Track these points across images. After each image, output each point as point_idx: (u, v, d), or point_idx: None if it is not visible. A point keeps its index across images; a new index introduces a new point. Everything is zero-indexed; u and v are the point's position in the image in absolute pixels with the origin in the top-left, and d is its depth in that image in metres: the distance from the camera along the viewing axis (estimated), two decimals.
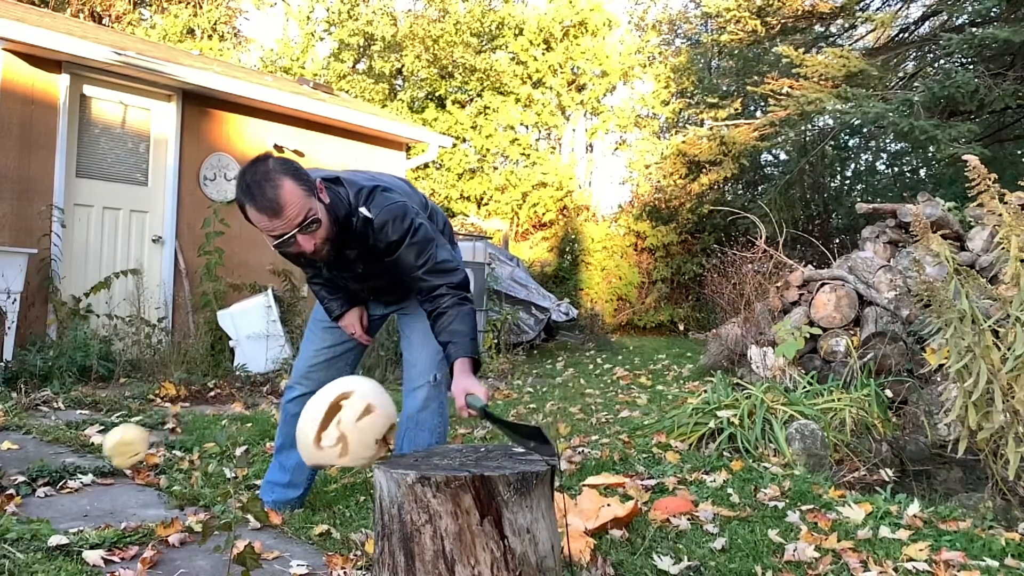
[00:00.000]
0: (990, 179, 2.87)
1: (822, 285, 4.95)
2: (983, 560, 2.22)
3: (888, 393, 4.12)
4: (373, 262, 2.23)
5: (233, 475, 3.06)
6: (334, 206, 2.10)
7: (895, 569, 2.18)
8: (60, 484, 2.77)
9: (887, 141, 14.93)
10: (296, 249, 2.03)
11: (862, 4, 10.68)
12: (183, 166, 6.23)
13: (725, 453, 3.45)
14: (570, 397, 5.35)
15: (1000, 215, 2.84)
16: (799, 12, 10.45)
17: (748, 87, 11.88)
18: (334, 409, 1.71)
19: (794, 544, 2.35)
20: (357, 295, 2.50)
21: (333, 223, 2.08)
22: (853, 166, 15.70)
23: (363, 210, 2.15)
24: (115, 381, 4.99)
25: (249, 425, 3.95)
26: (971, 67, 9.03)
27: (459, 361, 2.04)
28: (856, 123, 11.29)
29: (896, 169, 16.04)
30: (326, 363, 2.55)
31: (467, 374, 2.02)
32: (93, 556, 2.10)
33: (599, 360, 7.92)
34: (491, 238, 10.70)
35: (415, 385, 2.46)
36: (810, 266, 6.06)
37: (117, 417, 3.95)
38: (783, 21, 10.60)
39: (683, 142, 12.78)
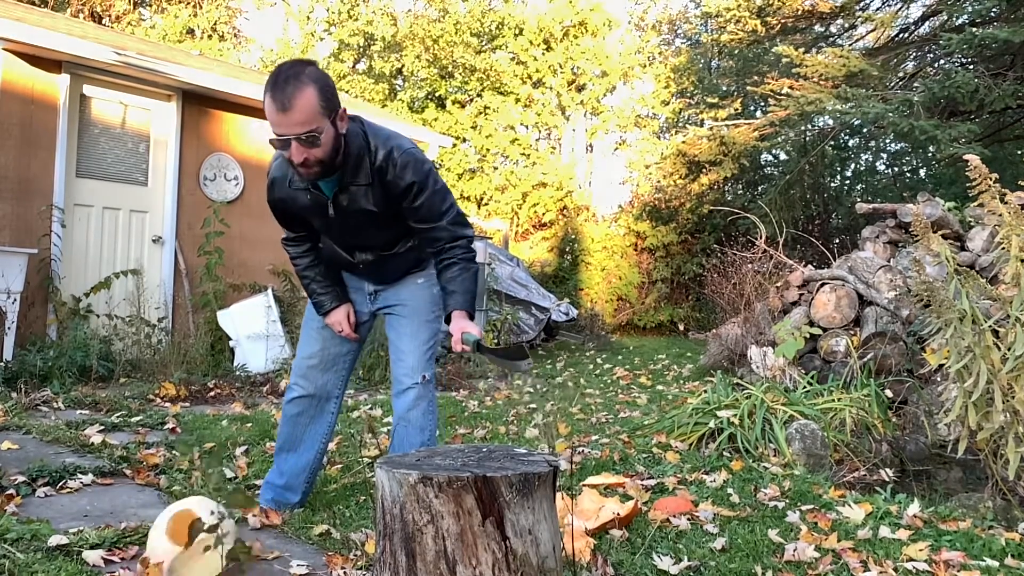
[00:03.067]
0: (990, 179, 2.87)
1: (822, 285, 4.95)
2: (983, 560, 2.22)
3: (888, 393, 4.12)
4: (385, 216, 2.27)
5: (233, 475, 3.06)
6: (348, 138, 2.15)
7: (895, 569, 2.18)
8: (60, 484, 2.76)
9: (887, 141, 14.93)
10: (287, 154, 2.06)
11: (862, 4, 10.68)
12: (183, 166, 6.23)
13: (725, 453, 3.45)
14: (570, 397, 5.35)
15: (1000, 215, 2.84)
16: (799, 12, 10.46)
17: (748, 87, 11.89)
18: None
19: (794, 544, 2.35)
20: (346, 288, 2.51)
21: (335, 151, 2.12)
22: (853, 166, 15.71)
23: (383, 150, 2.21)
24: (115, 381, 4.99)
25: (249, 425, 3.94)
26: (971, 67, 9.03)
27: (457, 312, 2.21)
28: (856, 123, 11.29)
29: (896, 169, 16.04)
30: (323, 365, 2.56)
31: (464, 318, 2.21)
32: (93, 556, 2.10)
33: (599, 360, 7.92)
34: (491, 238, 10.70)
35: (405, 385, 2.46)
36: (810, 266, 6.06)
37: (117, 417, 3.95)
38: (783, 21, 10.60)
39: (683, 142, 12.79)
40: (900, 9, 11.03)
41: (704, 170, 13.12)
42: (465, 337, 2.13)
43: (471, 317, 2.22)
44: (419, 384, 2.44)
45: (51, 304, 5.40)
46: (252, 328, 5.69)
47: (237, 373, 5.46)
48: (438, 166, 14.02)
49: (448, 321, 2.24)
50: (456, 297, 2.25)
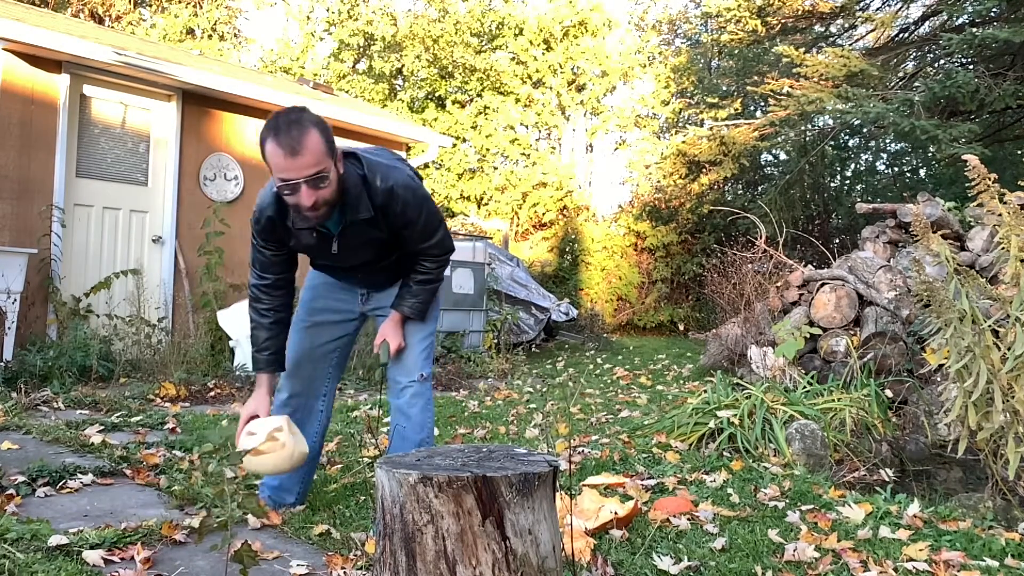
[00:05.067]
0: (990, 179, 2.87)
1: (822, 285, 4.95)
2: (983, 560, 2.22)
3: (888, 393, 4.12)
4: (389, 240, 2.32)
5: (233, 475, 3.05)
6: (346, 178, 2.18)
7: (895, 569, 2.18)
8: (60, 484, 2.76)
9: (887, 141, 14.94)
10: (296, 199, 2.06)
11: (862, 4, 10.68)
12: (183, 166, 6.23)
13: (725, 453, 3.45)
14: (570, 397, 5.35)
15: (1000, 215, 2.84)
16: (799, 12, 10.46)
17: (748, 87, 11.89)
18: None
19: (794, 544, 2.35)
20: (281, 354, 2.47)
21: (338, 191, 2.14)
22: (853, 166, 15.71)
23: (383, 185, 2.24)
24: (115, 381, 4.99)
25: None
26: (971, 67, 9.04)
27: (399, 314, 2.43)
28: (856, 123, 11.29)
29: (896, 169, 16.05)
30: (310, 364, 2.56)
31: (397, 323, 2.44)
32: (93, 556, 2.09)
33: (599, 360, 7.92)
34: (491, 238, 10.70)
35: (403, 384, 2.47)
36: (810, 266, 6.06)
37: (117, 417, 3.95)
38: (783, 21, 10.61)
39: (683, 142, 12.79)
40: (900, 9, 11.03)
41: (704, 170, 13.13)
42: (382, 350, 2.42)
43: (403, 324, 2.45)
44: (416, 382, 2.46)
45: (51, 304, 5.40)
46: None
47: (237, 373, 5.46)
48: (438, 166, 14.05)
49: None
50: (408, 302, 2.42)
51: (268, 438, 2.20)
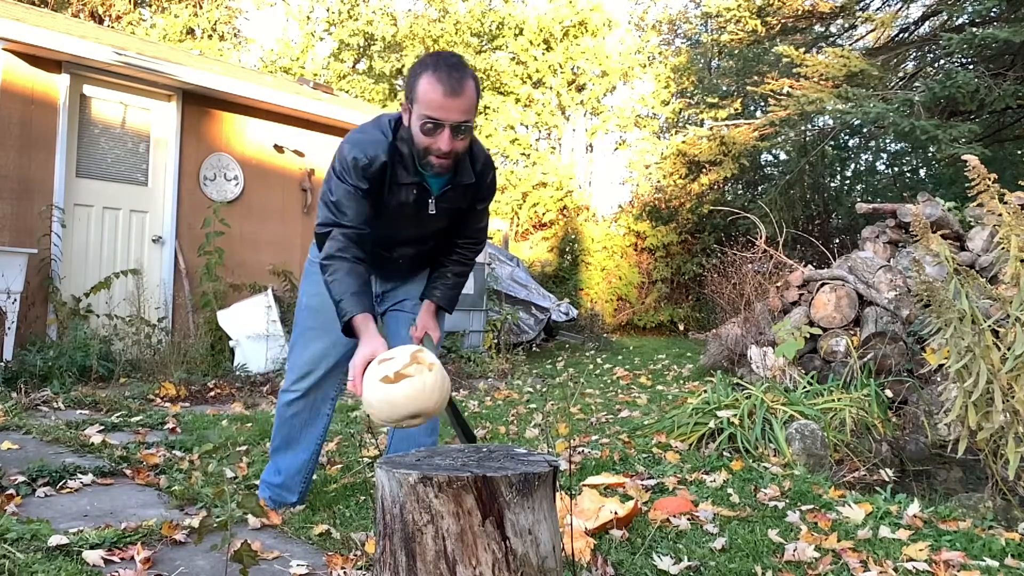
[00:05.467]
0: (990, 179, 2.87)
1: (822, 285, 4.95)
2: (983, 560, 2.22)
3: (888, 393, 4.12)
4: (463, 214, 2.32)
5: (233, 475, 3.06)
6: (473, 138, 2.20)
7: (895, 569, 2.18)
8: (60, 484, 2.76)
9: (887, 141, 14.94)
10: (433, 140, 2.01)
11: (862, 4, 10.68)
12: (183, 166, 6.23)
13: (725, 453, 3.45)
14: (570, 397, 5.35)
15: (1000, 215, 2.84)
16: (799, 12, 10.46)
17: (748, 87, 11.89)
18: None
19: (794, 544, 2.35)
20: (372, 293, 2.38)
21: (468, 148, 2.14)
22: (853, 166, 15.72)
23: (482, 155, 2.26)
24: (115, 381, 4.99)
25: (249, 425, 3.95)
26: (971, 67, 9.04)
27: (432, 305, 2.35)
28: (856, 123, 11.29)
29: (896, 169, 16.05)
30: (321, 367, 2.53)
31: (433, 315, 2.35)
32: (93, 556, 2.09)
33: (599, 360, 7.92)
34: (491, 238, 10.70)
35: None
36: (810, 266, 6.06)
37: (117, 417, 3.95)
38: (783, 21, 10.61)
39: (683, 142, 12.80)
40: (900, 9, 11.04)
41: (704, 170, 13.13)
42: (426, 341, 2.25)
43: (437, 316, 2.37)
44: None
45: (51, 304, 5.40)
46: (252, 328, 5.69)
47: (237, 373, 5.46)
48: None
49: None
50: (443, 292, 2.36)
51: (411, 359, 1.72)
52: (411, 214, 2.24)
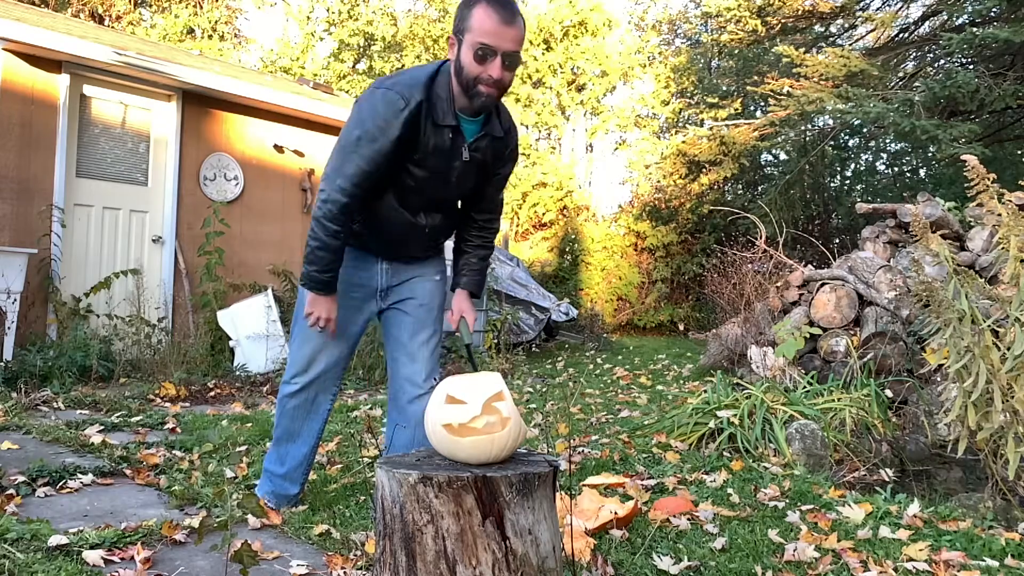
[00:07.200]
0: (989, 179, 2.87)
1: (822, 285, 4.95)
2: (983, 560, 2.22)
3: (888, 393, 4.12)
4: (487, 174, 2.36)
5: (233, 475, 3.06)
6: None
7: (895, 569, 2.18)
8: (60, 484, 2.76)
9: (887, 141, 14.94)
10: (485, 68, 2.05)
11: (862, 4, 10.68)
12: (183, 166, 6.23)
13: (725, 453, 3.45)
14: (570, 397, 5.35)
15: (1000, 215, 2.84)
16: (799, 12, 10.46)
17: (748, 87, 11.89)
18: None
19: (794, 544, 2.35)
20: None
21: (507, 89, 2.17)
22: (853, 166, 15.71)
23: (507, 113, 2.33)
24: (115, 381, 4.99)
25: (249, 425, 3.94)
26: (971, 67, 9.04)
27: (465, 292, 2.48)
28: (856, 123, 11.30)
29: (896, 169, 16.05)
30: (321, 361, 2.53)
31: (468, 299, 2.48)
32: (93, 556, 2.09)
33: (599, 360, 7.92)
34: None
35: (422, 390, 2.44)
36: (810, 266, 6.06)
37: (117, 417, 3.95)
38: (783, 21, 10.60)
39: (683, 142, 12.80)
40: (900, 9, 11.04)
41: (704, 170, 13.13)
42: (462, 327, 2.38)
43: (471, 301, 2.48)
44: (428, 392, 2.43)
45: (51, 304, 5.40)
46: (252, 328, 5.69)
47: (237, 373, 5.46)
48: None
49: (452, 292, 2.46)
50: (473, 278, 2.49)
51: (485, 409, 1.48)
52: (443, 165, 2.23)
